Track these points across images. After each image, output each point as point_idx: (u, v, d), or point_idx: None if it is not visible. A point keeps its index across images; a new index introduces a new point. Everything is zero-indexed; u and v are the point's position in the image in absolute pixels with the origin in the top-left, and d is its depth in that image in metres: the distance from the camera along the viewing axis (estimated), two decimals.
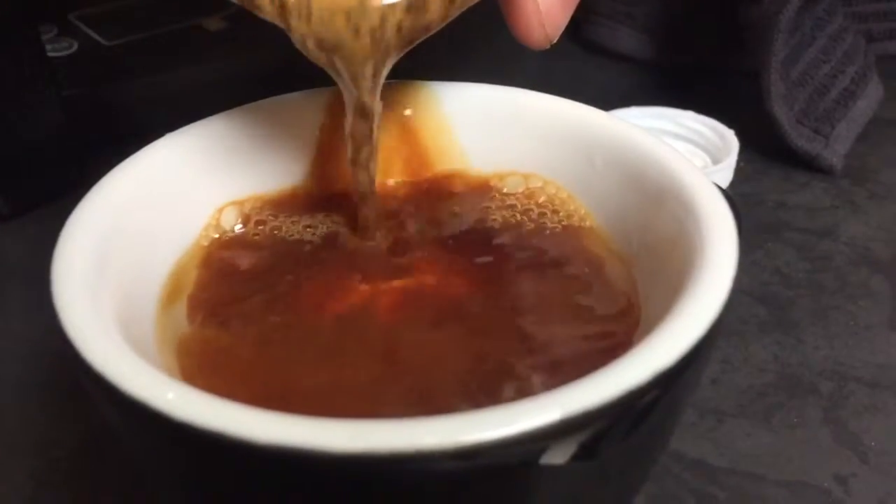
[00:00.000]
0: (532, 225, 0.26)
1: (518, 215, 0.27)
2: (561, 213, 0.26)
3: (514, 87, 0.28)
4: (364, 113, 0.23)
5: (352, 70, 0.22)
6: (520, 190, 0.27)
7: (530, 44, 0.25)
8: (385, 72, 0.23)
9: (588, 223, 0.26)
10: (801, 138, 0.41)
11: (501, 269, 0.25)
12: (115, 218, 0.22)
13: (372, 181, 0.25)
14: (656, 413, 0.17)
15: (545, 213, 0.26)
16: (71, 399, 0.29)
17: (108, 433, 0.19)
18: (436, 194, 0.28)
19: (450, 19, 0.23)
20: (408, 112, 0.28)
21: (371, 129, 0.24)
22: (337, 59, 0.22)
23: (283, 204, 0.27)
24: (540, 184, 0.27)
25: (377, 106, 0.24)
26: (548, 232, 0.26)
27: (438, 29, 0.23)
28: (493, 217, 0.27)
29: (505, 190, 0.27)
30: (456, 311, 0.23)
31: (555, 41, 0.25)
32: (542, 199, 0.27)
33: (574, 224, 0.26)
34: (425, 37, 0.23)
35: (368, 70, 0.22)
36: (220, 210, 0.26)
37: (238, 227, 0.26)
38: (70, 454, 0.27)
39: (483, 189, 0.28)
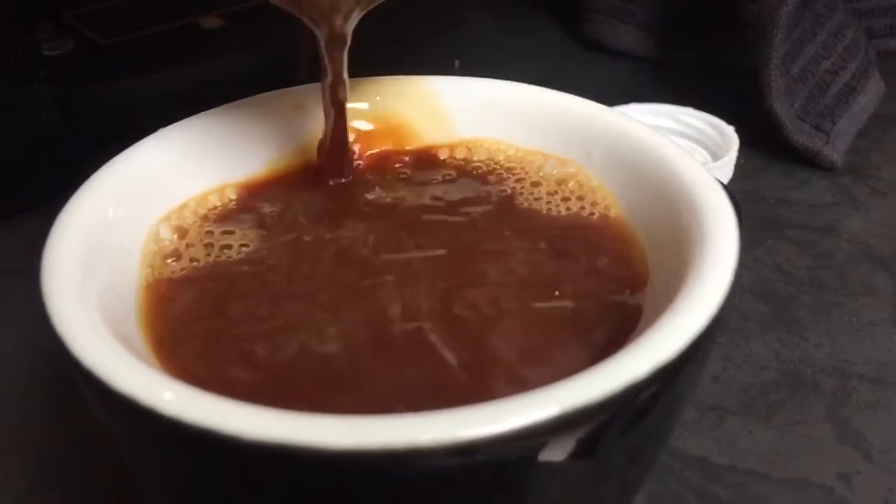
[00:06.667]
0: (557, 210, 0.26)
1: (546, 198, 0.26)
2: (586, 200, 0.26)
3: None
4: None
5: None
6: (553, 173, 0.27)
7: None
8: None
9: (613, 212, 0.26)
10: (801, 135, 0.40)
11: (515, 249, 0.24)
12: (101, 216, 0.22)
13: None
14: (656, 408, 0.17)
15: (569, 199, 0.26)
16: (66, 400, 0.29)
17: (103, 434, 0.19)
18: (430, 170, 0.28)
19: None
20: (402, 103, 0.28)
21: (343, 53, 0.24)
22: None
23: (264, 189, 0.27)
24: (573, 169, 0.27)
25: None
26: (571, 217, 0.26)
27: None
28: (512, 194, 0.26)
29: (542, 173, 0.27)
30: (463, 282, 0.23)
31: None
32: (571, 185, 0.26)
33: (599, 212, 0.26)
34: None
35: None
36: (197, 199, 0.26)
37: (219, 215, 0.26)
38: (64, 455, 0.27)
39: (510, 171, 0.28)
